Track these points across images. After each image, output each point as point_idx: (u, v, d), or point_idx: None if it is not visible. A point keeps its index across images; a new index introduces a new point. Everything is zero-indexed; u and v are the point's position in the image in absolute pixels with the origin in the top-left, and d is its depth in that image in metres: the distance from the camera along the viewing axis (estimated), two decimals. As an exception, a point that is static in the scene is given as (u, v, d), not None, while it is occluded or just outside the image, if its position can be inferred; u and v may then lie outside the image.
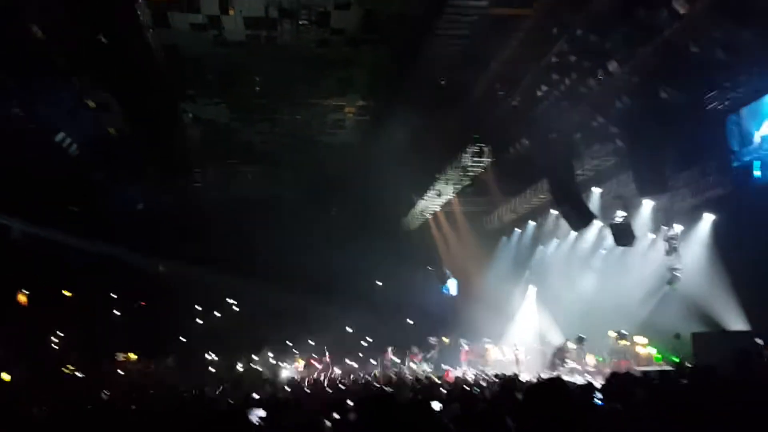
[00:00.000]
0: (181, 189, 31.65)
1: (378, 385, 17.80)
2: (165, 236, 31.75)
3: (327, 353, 30.80)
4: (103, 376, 25.49)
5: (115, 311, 34.24)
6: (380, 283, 37.66)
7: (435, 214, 32.49)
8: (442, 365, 27.64)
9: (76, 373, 26.36)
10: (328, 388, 16.90)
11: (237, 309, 37.18)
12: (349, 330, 34.66)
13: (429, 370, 27.80)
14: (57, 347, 30.15)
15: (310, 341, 33.37)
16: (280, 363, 32.20)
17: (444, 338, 32.52)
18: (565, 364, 24.32)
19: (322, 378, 24.20)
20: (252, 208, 33.07)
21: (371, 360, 32.52)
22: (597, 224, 23.92)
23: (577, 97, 18.62)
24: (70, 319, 29.79)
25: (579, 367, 23.62)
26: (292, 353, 33.49)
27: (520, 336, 28.44)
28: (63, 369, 26.05)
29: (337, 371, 29.25)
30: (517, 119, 22.27)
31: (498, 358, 28.06)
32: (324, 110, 26.52)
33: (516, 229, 32.05)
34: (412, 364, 29.53)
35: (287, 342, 34.69)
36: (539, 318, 29.47)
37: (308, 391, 16.50)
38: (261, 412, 7.72)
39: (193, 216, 32.48)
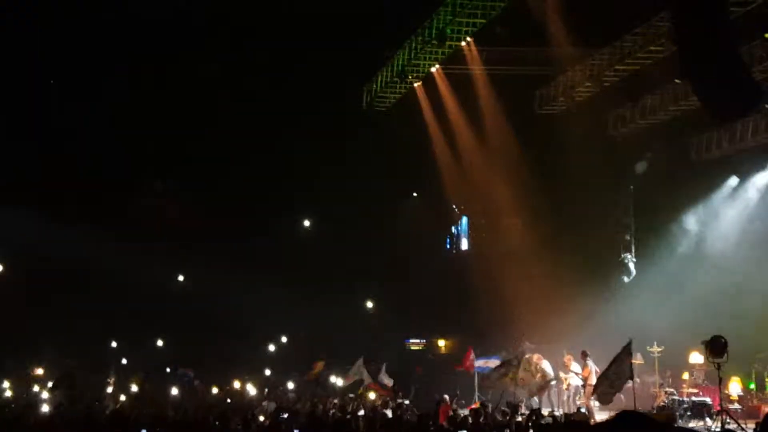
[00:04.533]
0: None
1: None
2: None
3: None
4: None
5: None
6: (307, 224, 38.20)
7: (431, 81, 31.77)
8: (444, 395, 26.69)
9: None
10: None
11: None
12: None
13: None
14: None
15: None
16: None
17: (442, 341, 32.78)
18: (677, 394, 24.80)
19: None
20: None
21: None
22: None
23: None
24: None
25: (708, 399, 23.99)
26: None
27: (599, 337, 27.24)
28: None
29: None
30: None
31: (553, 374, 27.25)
32: None
33: (603, 113, 31.36)
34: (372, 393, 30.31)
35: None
36: (636, 301, 29.34)
37: None
38: None
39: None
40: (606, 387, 23.00)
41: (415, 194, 36.22)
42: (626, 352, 23.25)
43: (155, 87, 35.26)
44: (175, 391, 32.96)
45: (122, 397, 31.24)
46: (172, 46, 34.90)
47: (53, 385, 31.47)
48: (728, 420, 21.33)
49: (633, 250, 31.66)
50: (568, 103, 31.32)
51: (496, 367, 28.77)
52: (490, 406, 24.74)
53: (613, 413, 22.81)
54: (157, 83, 35.81)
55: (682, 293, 27.85)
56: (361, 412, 23.92)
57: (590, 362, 26.22)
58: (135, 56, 34.88)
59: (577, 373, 26.62)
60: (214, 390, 34.31)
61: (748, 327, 24.76)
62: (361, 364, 31.08)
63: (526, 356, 27.54)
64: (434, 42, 28.61)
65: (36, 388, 34.22)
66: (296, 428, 19.42)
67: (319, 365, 32.90)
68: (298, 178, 36.64)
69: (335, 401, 28.93)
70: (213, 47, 35.67)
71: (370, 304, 39.12)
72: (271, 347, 40.74)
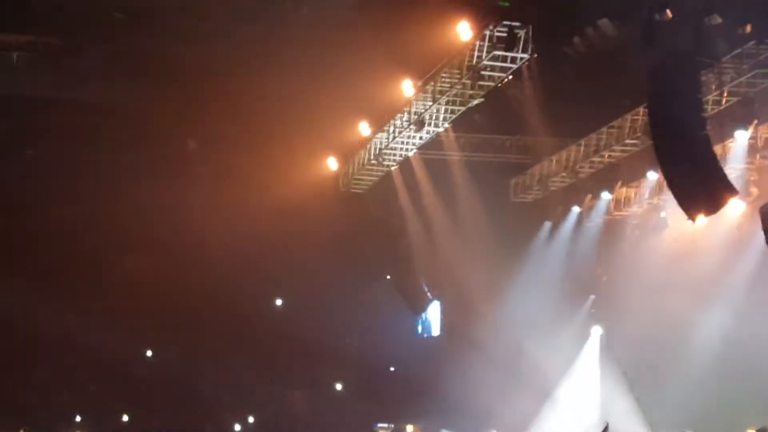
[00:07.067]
0: None
1: None
2: None
3: None
4: None
5: None
6: (280, 302, 38.79)
7: (408, 165, 31.87)
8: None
9: None
10: None
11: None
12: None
13: None
14: None
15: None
16: None
17: (410, 427, 32.71)
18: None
19: None
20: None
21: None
22: (737, 207, 23.68)
23: None
24: None
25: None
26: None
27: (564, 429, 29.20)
28: None
29: None
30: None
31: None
32: None
33: (573, 206, 31.77)
34: None
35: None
36: (607, 393, 30.08)
37: None
38: None
39: None
40: None
41: (387, 277, 36.05)
42: None
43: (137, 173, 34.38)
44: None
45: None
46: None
47: None
48: None
49: (599, 347, 31.55)
50: (543, 192, 31.54)
51: None
52: None
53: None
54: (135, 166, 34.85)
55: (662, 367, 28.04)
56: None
57: None
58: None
59: None
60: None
61: (729, 414, 25.05)
62: None
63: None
64: (415, 132, 28.79)
65: None
66: None
67: None
68: (271, 258, 36.13)
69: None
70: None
71: (339, 387, 38.84)
72: (237, 427, 40.21)
